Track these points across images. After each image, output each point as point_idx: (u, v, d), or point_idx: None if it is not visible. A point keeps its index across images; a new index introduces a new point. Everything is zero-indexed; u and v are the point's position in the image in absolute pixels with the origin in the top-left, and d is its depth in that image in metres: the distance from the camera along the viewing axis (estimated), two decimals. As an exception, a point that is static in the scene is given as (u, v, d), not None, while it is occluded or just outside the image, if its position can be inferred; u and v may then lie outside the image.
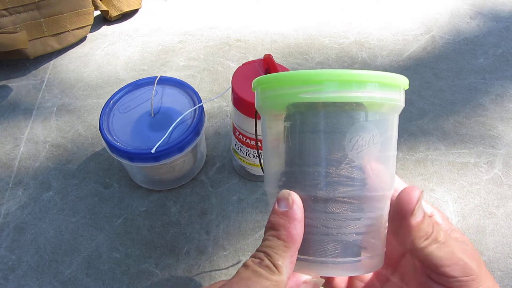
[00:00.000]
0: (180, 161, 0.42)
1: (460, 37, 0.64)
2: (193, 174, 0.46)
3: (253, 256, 0.21)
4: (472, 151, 0.49)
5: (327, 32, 0.64)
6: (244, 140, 0.40)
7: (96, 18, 0.64)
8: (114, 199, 0.44)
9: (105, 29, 0.65)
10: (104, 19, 0.66)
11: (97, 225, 0.42)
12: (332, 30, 0.65)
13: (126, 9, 0.65)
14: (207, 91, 0.55)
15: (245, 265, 0.21)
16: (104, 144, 0.40)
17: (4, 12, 0.53)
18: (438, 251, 0.21)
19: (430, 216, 0.24)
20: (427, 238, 0.21)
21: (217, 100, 0.54)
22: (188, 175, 0.45)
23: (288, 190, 0.21)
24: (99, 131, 0.45)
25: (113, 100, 0.42)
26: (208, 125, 0.51)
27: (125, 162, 0.39)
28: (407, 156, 0.48)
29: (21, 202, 0.44)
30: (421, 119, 0.52)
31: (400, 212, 0.21)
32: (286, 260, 0.20)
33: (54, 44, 0.58)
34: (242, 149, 0.41)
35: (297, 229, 0.20)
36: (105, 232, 0.42)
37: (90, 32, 0.63)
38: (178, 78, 0.44)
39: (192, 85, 0.43)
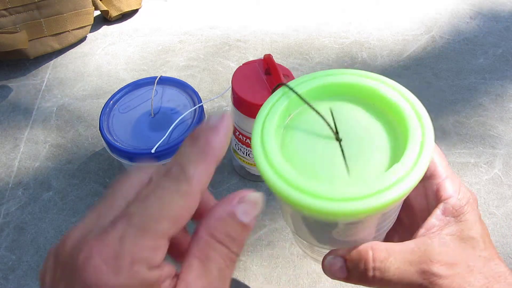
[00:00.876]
0: (180, 161, 0.42)
1: (460, 37, 0.64)
2: (193, 174, 0.46)
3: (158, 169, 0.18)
4: (472, 151, 0.49)
5: (327, 32, 0.64)
6: (244, 140, 0.40)
7: (96, 18, 0.64)
8: (114, 199, 0.44)
9: (105, 29, 0.65)
10: (104, 19, 0.66)
11: (97, 225, 0.42)
12: (332, 30, 0.65)
13: (126, 9, 0.65)
14: (207, 91, 0.55)
15: (148, 182, 0.18)
16: (104, 144, 0.40)
17: (4, 12, 0.53)
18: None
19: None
20: (368, 281, 0.23)
21: (217, 100, 0.54)
22: (188, 175, 0.45)
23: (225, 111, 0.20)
24: (99, 131, 0.45)
25: (113, 100, 0.42)
26: (208, 125, 0.51)
27: (125, 162, 0.39)
28: (407, 156, 0.48)
29: (21, 202, 0.44)
30: (421, 119, 0.52)
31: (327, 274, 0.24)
32: (199, 168, 0.17)
33: (54, 44, 0.58)
34: (242, 149, 0.41)
35: (219, 138, 0.18)
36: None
37: (90, 32, 0.63)
38: (178, 78, 0.44)
39: (192, 85, 0.43)
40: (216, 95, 0.49)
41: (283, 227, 0.42)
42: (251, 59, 0.60)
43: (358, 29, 0.65)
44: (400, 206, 0.24)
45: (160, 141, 0.38)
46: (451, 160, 0.48)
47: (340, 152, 0.21)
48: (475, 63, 0.60)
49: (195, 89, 0.43)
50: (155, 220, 0.16)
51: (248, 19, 0.67)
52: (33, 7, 0.55)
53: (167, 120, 0.40)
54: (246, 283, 0.38)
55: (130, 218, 0.16)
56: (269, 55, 0.36)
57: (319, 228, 0.25)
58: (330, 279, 0.39)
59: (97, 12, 0.66)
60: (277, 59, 0.59)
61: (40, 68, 0.58)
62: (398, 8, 0.69)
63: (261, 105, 0.32)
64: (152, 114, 0.41)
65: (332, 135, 0.22)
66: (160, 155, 0.38)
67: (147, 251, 0.16)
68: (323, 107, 0.23)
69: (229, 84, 0.56)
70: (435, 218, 0.23)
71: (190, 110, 0.40)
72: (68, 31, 0.59)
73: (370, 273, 0.22)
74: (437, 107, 0.53)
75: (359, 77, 0.23)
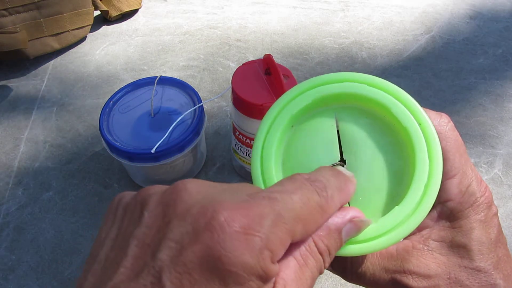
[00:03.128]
0: (180, 161, 0.42)
1: (460, 37, 0.64)
2: (193, 174, 0.46)
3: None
4: (472, 151, 0.49)
5: (327, 32, 0.64)
6: (244, 140, 0.40)
7: (96, 18, 0.64)
8: (114, 199, 0.44)
9: (105, 29, 0.65)
10: (104, 19, 0.66)
11: (97, 225, 0.42)
12: (332, 30, 0.65)
13: (126, 9, 0.65)
14: (207, 91, 0.55)
15: (291, 178, 0.17)
16: (104, 144, 0.40)
17: (4, 12, 0.53)
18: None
19: None
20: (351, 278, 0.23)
21: (217, 100, 0.54)
22: (188, 175, 0.45)
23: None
24: (99, 131, 0.45)
25: (113, 100, 0.42)
26: (208, 125, 0.51)
27: (125, 162, 0.39)
28: (407, 156, 0.48)
29: (21, 202, 0.44)
30: (421, 119, 0.52)
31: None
32: (339, 197, 0.17)
33: (54, 44, 0.58)
34: (242, 149, 0.41)
35: (352, 187, 0.18)
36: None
37: (90, 32, 0.63)
38: (178, 78, 0.44)
39: (192, 85, 0.43)
40: (216, 95, 0.49)
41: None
42: (251, 59, 0.60)
43: (358, 29, 0.65)
44: None
45: (160, 141, 0.38)
46: (451, 160, 0.48)
47: None
48: (475, 63, 0.60)
49: (195, 89, 0.43)
50: (295, 217, 0.15)
51: (248, 19, 0.67)
52: (33, 7, 0.55)
53: (167, 120, 0.40)
54: (246, 283, 0.38)
55: (274, 202, 0.15)
56: (269, 55, 0.36)
57: None
58: (330, 280, 0.39)
59: (97, 12, 0.66)
60: (277, 59, 0.59)
61: (40, 68, 0.58)
62: (398, 8, 0.69)
63: (261, 105, 0.32)
64: (152, 114, 0.41)
65: (337, 155, 0.21)
66: (160, 155, 0.38)
67: (277, 243, 0.15)
68: (329, 114, 0.22)
69: (229, 84, 0.56)
70: (430, 220, 0.22)
71: (190, 110, 0.40)
72: (68, 31, 0.59)
73: (348, 277, 0.22)
74: (437, 107, 0.53)
75: (371, 88, 0.21)
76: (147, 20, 0.66)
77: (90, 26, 0.61)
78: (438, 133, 0.21)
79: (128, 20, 0.66)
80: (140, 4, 0.68)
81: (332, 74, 0.21)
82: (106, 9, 0.63)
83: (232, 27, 0.65)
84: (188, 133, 0.39)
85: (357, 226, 0.18)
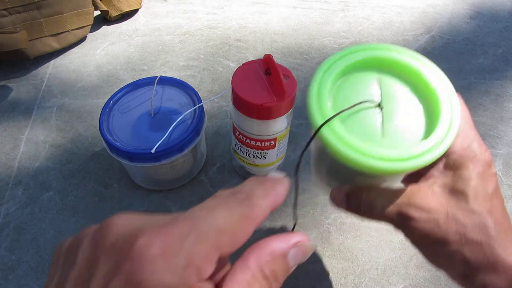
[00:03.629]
0: (180, 161, 0.42)
1: (460, 37, 0.64)
2: (193, 174, 0.46)
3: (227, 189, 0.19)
4: (472, 151, 0.49)
5: (327, 32, 0.64)
6: (244, 140, 0.40)
7: (96, 18, 0.64)
8: (114, 199, 0.44)
9: (105, 29, 0.65)
10: (104, 19, 0.66)
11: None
12: (332, 30, 0.65)
13: (126, 9, 0.65)
14: (207, 91, 0.55)
15: (214, 196, 0.18)
16: (104, 144, 0.40)
17: (4, 12, 0.53)
18: (378, 219, 0.26)
19: None
20: (361, 213, 0.27)
21: (217, 100, 0.54)
22: (188, 175, 0.45)
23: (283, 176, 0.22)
24: (99, 131, 0.45)
25: (113, 100, 0.42)
26: (208, 125, 0.51)
27: (125, 162, 0.39)
28: (407, 156, 0.48)
29: (21, 202, 0.44)
30: (421, 119, 0.52)
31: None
32: (262, 202, 0.18)
33: (54, 44, 0.58)
34: (242, 149, 0.41)
35: (282, 188, 0.19)
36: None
37: (90, 32, 0.63)
38: (178, 78, 0.44)
39: (192, 85, 0.43)
40: (216, 95, 0.49)
41: (283, 227, 0.42)
42: (251, 59, 0.60)
43: (358, 29, 0.65)
44: None
45: (160, 141, 0.38)
46: (451, 160, 0.48)
47: (381, 118, 0.25)
48: (475, 63, 0.60)
49: (195, 89, 0.43)
50: (218, 231, 0.16)
51: (248, 19, 0.67)
52: (33, 7, 0.55)
53: (167, 120, 0.40)
54: (246, 283, 0.38)
55: (195, 221, 0.16)
56: (269, 55, 0.36)
57: (347, 175, 0.29)
58: (330, 280, 0.39)
59: (97, 12, 0.66)
60: (277, 59, 0.59)
61: (40, 68, 0.58)
62: (398, 8, 0.69)
63: (261, 105, 0.32)
64: (152, 114, 0.41)
65: (375, 101, 0.26)
66: (160, 155, 0.38)
67: (202, 260, 0.15)
68: (373, 72, 0.27)
69: (229, 84, 0.56)
70: (436, 170, 0.26)
71: (190, 110, 0.40)
72: (68, 31, 0.59)
73: (361, 208, 0.27)
74: (437, 107, 0.53)
75: (407, 56, 0.27)
76: (147, 20, 0.66)
77: (90, 26, 0.61)
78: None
79: (128, 20, 0.66)
80: (140, 4, 0.68)
81: (378, 43, 0.27)
82: (106, 9, 0.63)
83: (232, 27, 0.65)
84: (188, 133, 0.39)
85: (303, 250, 0.19)
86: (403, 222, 0.25)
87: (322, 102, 0.25)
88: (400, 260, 0.40)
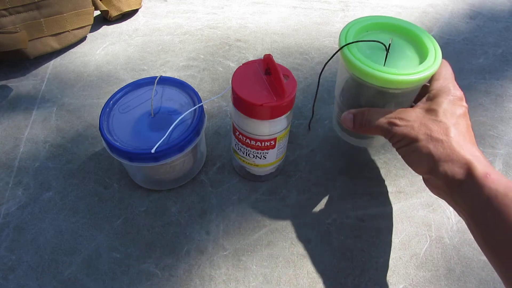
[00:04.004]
0: (180, 161, 0.42)
1: (460, 37, 0.64)
2: (193, 174, 0.46)
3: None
4: (472, 151, 0.49)
5: (327, 32, 0.64)
6: (244, 140, 0.40)
7: (96, 18, 0.64)
8: (114, 199, 0.44)
9: (105, 29, 0.65)
10: (104, 19, 0.66)
11: (97, 225, 0.42)
12: (332, 30, 0.65)
13: (126, 9, 0.65)
14: (207, 91, 0.55)
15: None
16: (104, 144, 0.40)
17: (4, 12, 0.53)
18: (373, 129, 0.36)
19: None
20: (362, 127, 0.38)
21: (217, 100, 0.54)
22: (188, 175, 0.45)
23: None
24: (99, 131, 0.45)
25: (113, 100, 0.42)
26: (208, 125, 0.51)
27: (125, 162, 0.39)
28: (407, 156, 0.48)
29: (21, 202, 0.44)
30: (421, 119, 0.52)
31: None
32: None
33: (54, 44, 0.58)
34: (242, 149, 0.41)
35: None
36: (105, 232, 0.42)
37: (90, 32, 0.63)
38: (178, 78, 0.44)
39: (192, 85, 0.43)
40: (216, 95, 0.49)
41: (283, 227, 0.42)
42: (251, 59, 0.60)
43: (358, 29, 0.65)
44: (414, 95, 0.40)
45: (160, 141, 0.38)
46: (451, 160, 0.48)
47: (385, 56, 0.37)
48: (475, 63, 0.60)
49: (195, 89, 0.43)
50: None
51: (248, 19, 0.67)
52: (33, 7, 0.55)
53: (167, 120, 0.40)
54: (246, 283, 0.38)
55: None
56: (269, 55, 0.36)
57: (358, 97, 0.39)
58: (330, 280, 0.39)
59: (97, 12, 0.66)
60: (277, 59, 0.59)
61: (40, 68, 0.58)
62: (398, 8, 0.69)
63: (261, 105, 0.32)
64: (152, 114, 0.41)
65: (384, 44, 0.38)
66: (160, 155, 0.38)
67: None
68: (383, 34, 0.40)
69: (229, 84, 0.56)
70: (421, 102, 0.35)
71: (190, 110, 0.40)
72: (68, 31, 0.59)
73: (363, 123, 0.37)
74: (437, 107, 0.53)
75: (410, 25, 0.39)
76: (147, 20, 0.66)
77: (90, 26, 0.61)
78: (443, 62, 0.37)
79: (128, 20, 0.66)
80: (140, 4, 0.68)
81: (392, 17, 0.40)
82: (106, 9, 0.63)
83: (232, 27, 0.65)
84: (188, 133, 0.39)
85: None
86: (390, 128, 0.34)
87: (347, 39, 0.37)
88: (400, 260, 0.40)
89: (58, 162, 0.47)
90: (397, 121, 0.34)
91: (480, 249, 0.41)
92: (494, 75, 0.58)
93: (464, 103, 0.35)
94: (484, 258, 0.40)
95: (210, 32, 0.64)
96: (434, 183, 0.34)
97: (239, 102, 0.36)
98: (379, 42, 0.38)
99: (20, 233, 0.42)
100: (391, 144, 0.36)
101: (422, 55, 0.37)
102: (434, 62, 0.35)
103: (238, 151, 0.42)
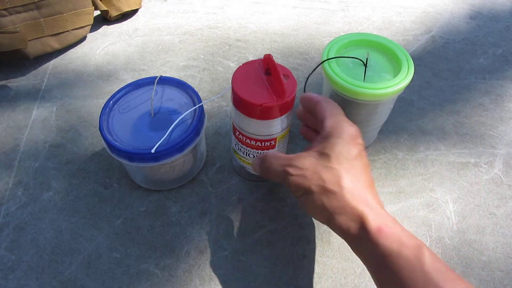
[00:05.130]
0: (180, 161, 0.42)
1: (460, 37, 0.64)
2: (193, 174, 0.46)
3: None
4: (472, 151, 0.49)
5: (327, 32, 0.64)
6: (244, 140, 0.40)
7: (96, 18, 0.64)
8: (114, 199, 0.44)
9: (105, 29, 0.65)
10: (104, 19, 0.66)
11: (97, 225, 0.42)
12: (332, 30, 0.65)
13: (126, 9, 0.65)
14: (207, 91, 0.55)
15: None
16: (104, 144, 0.40)
17: (3, 12, 0.53)
18: (271, 176, 0.36)
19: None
20: (263, 173, 0.37)
21: (217, 100, 0.54)
22: (188, 175, 0.45)
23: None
24: (99, 131, 0.45)
25: (113, 100, 0.42)
26: (208, 125, 0.51)
27: (125, 162, 0.39)
28: (407, 156, 0.48)
29: (21, 202, 0.44)
30: (421, 119, 0.52)
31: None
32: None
33: (54, 44, 0.58)
34: (242, 149, 0.41)
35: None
36: (105, 232, 0.42)
37: (90, 32, 0.63)
38: (178, 78, 0.44)
39: (192, 85, 0.43)
40: (216, 95, 0.49)
41: (283, 227, 0.42)
42: (251, 59, 0.60)
43: (358, 29, 0.65)
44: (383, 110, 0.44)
45: (160, 141, 0.38)
46: (451, 160, 0.48)
47: (363, 71, 0.41)
48: (475, 63, 0.60)
49: (195, 89, 0.43)
50: None
51: (248, 19, 0.67)
52: (33, 7, 0.55)
53: (167, 120, 0.40)
54: (246, 283, 0.38)
55: None
56: (269, 55, 0.36)
57: (351, 110, 0.41)
58: (330, 280, 0.39)
59: (97, 12, 0.66)
60: (277, 59, 0.59)
61: (40, 68, 0.58)
62: (398, 8, 0.69)
63: (260, 105, 0.33)
64: (152, 114, 0.41)
65: (362, 60, 0.42)
66: (160, 155, 0.38)
67: None
68: (362, 49, 0.43)
69: (229, 84, 0.56)
70: (316, 141, 0.34)
71: (190, 110, 0.40)
72: (68, 31, 0.59)
73: (264, 169, 0.36)
74: (437, 107, 0.53)
75: (384, 39, 0.43)
76: (147, 20, 0.66)
77: (90, 26, 0.61)
78: (325, 99, 0.37)
79: (128, 20, 0.66)
80: (140, 4, 0.68)
81: (367, 33, 0.45)
82: (106, 9, 0.63)
83: (232, 27, 0.65)
84: (188, 133, 0.39)
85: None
86: (284, 177, 0.33)
87: (328, 55, 0.41)
88: (400, 260, 0.40)
89: (58, 162, 0.47)
90: (291, 170, 0.33)
91: (480, 250, 0.41)
92: (494, 75, 0.58)
93: (360, 141, 0.34)
94: (484, 258, 0.40)
95: (210, 32, 0.64)
96: None
97: (239, 102, 0.36)
98: (357, 58, 0.42)
99: (20, 233, 0.42)
100: None
101: (396, 66, 0.42)
102: (408, 72, 0.40)
103: (238, 151, 0.42)
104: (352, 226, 0.30)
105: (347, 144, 0.32)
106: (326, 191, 0.31)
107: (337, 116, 0.34)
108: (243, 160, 0.43)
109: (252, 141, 0.39)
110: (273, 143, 0.39)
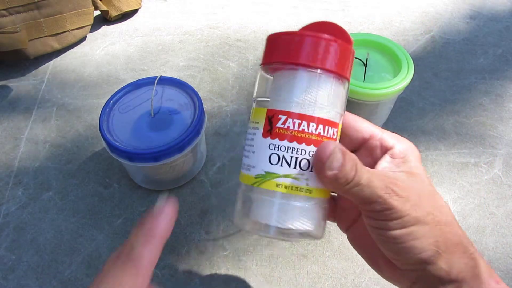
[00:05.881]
0: (180, 161, 0.42)
1: (460, 37, 0.64)
2: (193, 174, 0.46)
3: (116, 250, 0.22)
4: (472, 151, 0.49)
5: (327, 32, 0.64)
6: (295, 129, 0.23)
7: (96, 18, 0.64)
8: (114, 199, 0.44)
9: (105, 29, 0.65)
10: (104, 19, 0.66)
11: (97, 225, 0.42)
12: (332, 30, 0.65)
13: (126, 9, 0.65)
14: (207, 91, 0.55)
15: (104, 264, 0.22)
16: (104, 144, 0.40)
17: (4, 12, 0.53)
18: (359, 192, 0.23)
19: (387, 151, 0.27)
20: (347, 183, 0.23)
21: (217, 100, 0.54)
22: (188, 175, 0.45)
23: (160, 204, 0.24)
24: (99, 131, 0.45)
25: (113, 100, 0.42)
26: (208, 125, 0.51)
27: (125, 162, 0.39)
28: (407, 156, 0.48)
29: (21, 202, 0.44)
30: (421, 119, 0.52)
31: (316, 163, 0.24)
32: (147, 250, 0.22)
33: (54, 44, 0.58)
34: (287, 154, 0.23)
35: (162, 224, 0.23)
36: (105, 232, 0.42)
37: (90, 32, 0.63)
38: (178, 78, 0.44)
39: (192, 85, 0.43)
40: (216, 95, 0.49)
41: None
42: (251, 59, 0.60)
43: (358, 29, 0.65)
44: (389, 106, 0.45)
45: (160, 141, 0.38)
46: (451, 160, 0.48)
47: (363, 70, 0.42)
48: (475, 63, 0.60)
49: (195, 89, 0.43)
50: None
51: (248, 19, 0.67)
52: (33, 7, 0.55)
53: (167, 120, 0.40)
54: (246, 283, 0.38)
55: None
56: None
57: (350, 110, 0.37)
58: (330, 280, 0.39)
59: (97, 12, 0.66)
60: (277, 59, 0.59)
61: (40, 68, 0.58)
62: (398, 8, 0.69)
63: (334, 40, 0.24)
64: (152, 114, 0.41)
65: (362, 60, 0.42)
66: (160, 155, 0.38)
67: None
68: (362, 50, 0.44)
69: (229, 84, 0.56)
70: (386, 162, 0.26)
71: (190, 110, 0.40)
72: (68, 31, 0.59)
73: (351, 176, 0.24)
74: (437, 107, 0.53)
75: (384, 39, 0.44)
76: (147, 20, 0.66)
77: (90, 26, 0.61)
78: (360, 119, 0.28)
79: (128, 20, 0.66)
80: (140, 4, 0.68)
81: (368, 33, 0.45)
82: (106, 9, 0.63)
83: (232, 27, 0.65)
84: (188, 133, 0.39)
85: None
86: (386, 196, 0.24)
87: None
88: (400, 260, 0.40)
89: (58, 162, 0.47)
90: (397, 188, 0.24)
91: (480, 250, 0.41)
92: (494, 75, 0.58)
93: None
94: (484, 258, 0.40)
95: (210, 32, 0.64)
96: (405, 277, 0.26)
97: (299, 44, 0.23)
98: (357, 58, 0.41)
99: (20, 233, 0.42)
100: (369, 219, 0.25)
101: (396, 66, 0.41)
102: (408, 72, 0.40)
103: (279, 164, 0.23)
104: (464, 269, 0.24)
105: (420, 162, 0.27)
106: (439, 223, 0.24)
107: (394, 136, 0.28)
108: (290, 187, 0.23)
109: (312, 126, 0.23)
110: (336, 131, 0.25)
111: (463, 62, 0.60)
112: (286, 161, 0.23)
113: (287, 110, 0.23)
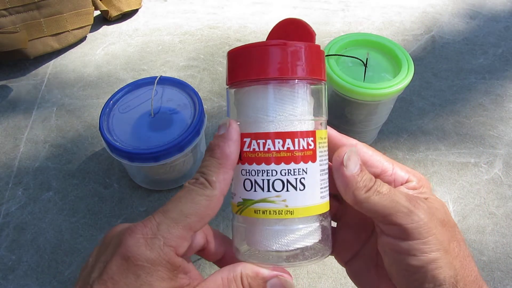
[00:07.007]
0: (180, 161, 0.42)
1: (460, 37, 0.64)
2: (193, 174, 0.45)
3: (191, 178, 0.22)
4: (472, 151, 0.49)
5: (327, 32, 0.64)
6: (260, 149, 0.22)
7: (96, 18, 0.64)
8: (114, 199, 0.44)
9: (105, 29, 0.65)
10: (104, 19, 0.66)
11: (97, 225, 0.42)
12: (332, 30, 0.65)
13: (126, 9, 0.65)
14: (207, 91, 0.55)
15: (183, 186, 0.22)
16: (104, 144, 0.40)
17: (4, 12, 0.53)
18: (380, 201, 0.22)
19: (405, 182, 0.25)
20: (368, 190, 0.22)
21: (217, 100, 0.54)
22: (188, 175, 0.45)
23: (228, 118, 0.23)
24: (99, 131, 0.45)
25: (113, 100, 0.42)
26: (208, 125, 0.51)
27: (125, 162, 0.39)
28: (407, 156, 0.48)
29: (21, 202, 0.44)
30: (421, 119, 0.52)
31: (334, 165, 0.23)
32: (220, 176, 0.21)
33: (54, 44, 0.58)
34: (255, 177, 0.22)
35: (231, 147, 0.22)
36: (105, 232, 0.42)
37: (90, 32, 0.63)
38: (178, 78, 0.44)
39: (192, 85, 0.43)
40: (216, 95, 0.49)
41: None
42: (251, 59, 0.60)
43: (358, 29, 0.65)
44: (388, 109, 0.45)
45: (160, 141, 0.38)
46: (451, 160, 0.48)
47: (363, 70, 0.41)
48: (475, 63, 0.60)
49: (195, 89, 0.43)
50: (185, 215, 0.20)
51: (248, 19, 0.67)
52: (33, 7, 0.55)
53: (167, 120, 0.40)
54: (246, 283, 0.38)
55: (166, 212, 0.21)
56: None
57: (351, 110, 0.42)
58: (330, 280, 0.39)
59: (97, 12, 0.66)
60: (277, 59, 0.59)
61: (40, 68, 0.58)
62: (398, 8, 0.69)
63: (284, 43, 0.22)
64: (152, 114, 0.41)
65: (362, 60, 0.42)
66: (160, 155, 0.38)
67: (176, 239, 0.20)
68: (362, 49, 0.44)
69: (229, 84, 0.56)
70: (405, 187, 0.25)
71: (190, 110, 0.40)
72: (68, 31, 0.59)
73: (373, 181, 0.22)
74: (437, 107, 0.53)
75: (384, 39, 0.44)
76: (147, 20, 0.66)
77: (90, 26, 0.61)
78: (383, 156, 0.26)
79: (128, 20, 0.66)
80: (140, 4, 0.68)
81: (368, 33, 0.45)
82: (106, 9, 0.63)
83: (232, 27, 0.65)
84: (188, 133, 0.39)
85: (281, 283, 0.22)
86: (403, 216, 0.22)
87: (329, 52, 0.42)
88: (400, 260, 0.40)
89: (58, 162, 0.47)
90: (421, 202, 0.22)
91: (480, 250, 0.41)
92: (494, 75, 0.58)
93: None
94: (484, 258, 0.40)
95: (210, 32, 0.64)
96: None
97: (253, 56, 0.21)
98: (357, 58, 0.41)
99: (20, 233, 0.42)
100: (386, 238, 0.22)
101: (396, 66, 0.42)
102: (408, 72, 0.40)
103: (249, 188, 0.22)
104: None
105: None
106: (459, 254, 0.22)
107: (400, 164, 0.26)
108: (258, 212, 0.22)
109: (279, 143, 0.21)
110: (312, 144, 0.22)
111: (463, 62, 0.60)
112: (259, 185, 0.22)
113: (249, 131, 0.22)
